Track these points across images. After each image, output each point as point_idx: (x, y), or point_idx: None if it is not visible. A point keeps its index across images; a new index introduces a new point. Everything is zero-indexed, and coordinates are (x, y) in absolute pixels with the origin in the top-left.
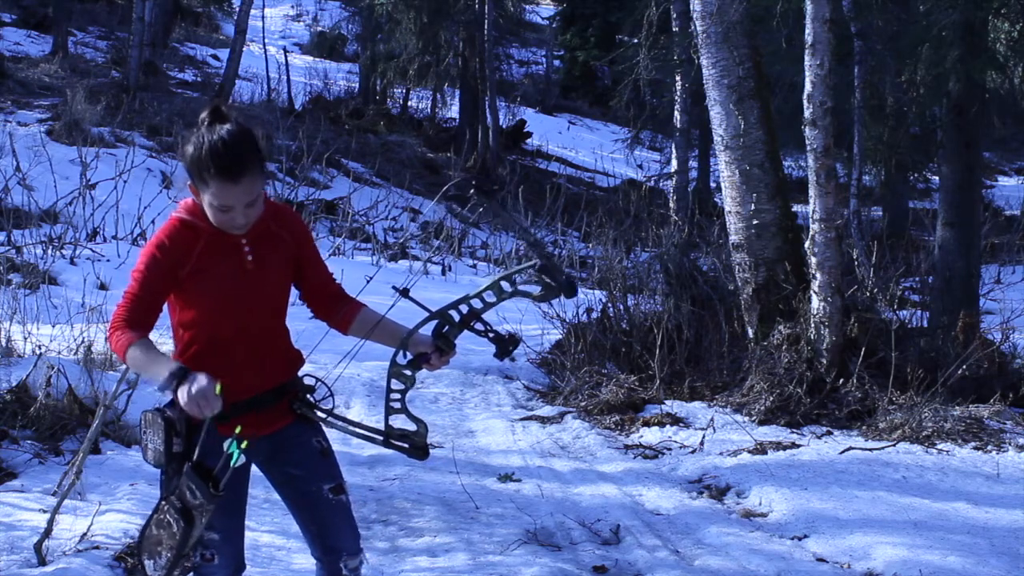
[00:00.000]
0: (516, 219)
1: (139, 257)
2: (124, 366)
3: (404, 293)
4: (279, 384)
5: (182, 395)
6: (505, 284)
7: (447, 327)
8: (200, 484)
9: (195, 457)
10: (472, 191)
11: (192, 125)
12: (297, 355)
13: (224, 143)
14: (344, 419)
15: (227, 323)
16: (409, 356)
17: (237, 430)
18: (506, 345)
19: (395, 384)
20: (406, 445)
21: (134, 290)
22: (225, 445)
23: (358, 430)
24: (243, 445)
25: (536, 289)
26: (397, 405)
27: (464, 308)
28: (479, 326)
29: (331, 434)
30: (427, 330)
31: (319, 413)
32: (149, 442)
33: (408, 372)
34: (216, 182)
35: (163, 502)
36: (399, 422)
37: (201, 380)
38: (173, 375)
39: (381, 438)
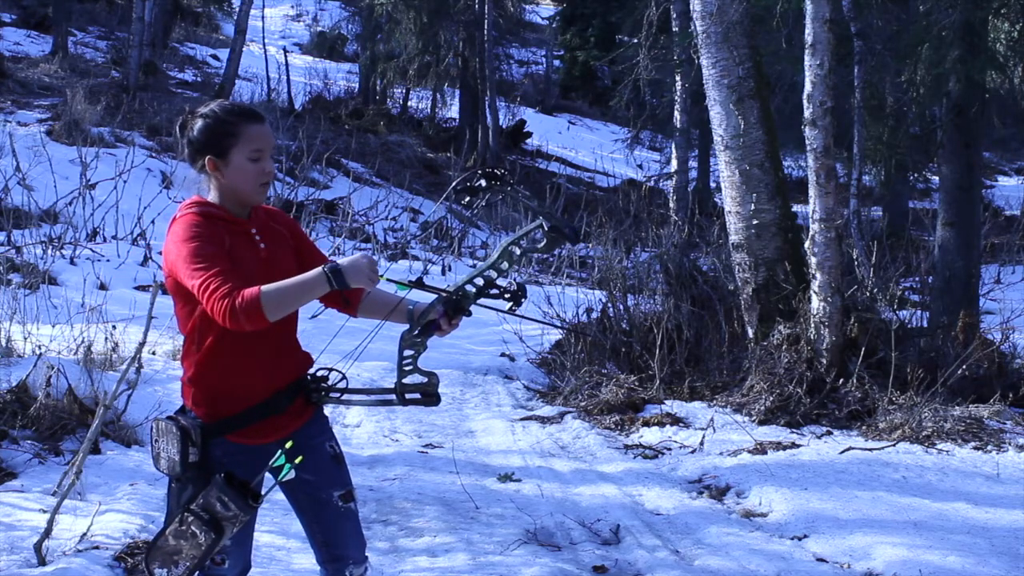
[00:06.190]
0: (523, 194)
1: (180, 251)
2: (124, 365)
3: (418, 284)
4: (291, 383)
5: (354, 272)
6: (514, 248)
7: (460, 299)
8: (235, 496)
9: (207, 465)
10: (480, 179)
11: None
12: (306, 356)
13: (230, 102)
14: (357, 391)
15: None
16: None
17: (289, 445)
18: (519, 297)
19: (407, 352)
20: (418, 395)
21: (212, 266)
22: (272, 460)
23: (372, 396)
24: (297, 460)
25: (541, 242)
26: (409, 367)
27: (480, 281)
28: (493, 291)
29: None
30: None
31: (333, 395)
32: (162, 451)
33: (420, 340)
34: (246, 126)
35: (186, 513)
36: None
37: (359, 257)
38: (332, 268)
39: (395, 396)
